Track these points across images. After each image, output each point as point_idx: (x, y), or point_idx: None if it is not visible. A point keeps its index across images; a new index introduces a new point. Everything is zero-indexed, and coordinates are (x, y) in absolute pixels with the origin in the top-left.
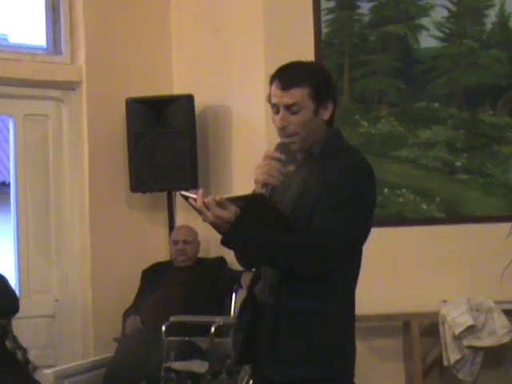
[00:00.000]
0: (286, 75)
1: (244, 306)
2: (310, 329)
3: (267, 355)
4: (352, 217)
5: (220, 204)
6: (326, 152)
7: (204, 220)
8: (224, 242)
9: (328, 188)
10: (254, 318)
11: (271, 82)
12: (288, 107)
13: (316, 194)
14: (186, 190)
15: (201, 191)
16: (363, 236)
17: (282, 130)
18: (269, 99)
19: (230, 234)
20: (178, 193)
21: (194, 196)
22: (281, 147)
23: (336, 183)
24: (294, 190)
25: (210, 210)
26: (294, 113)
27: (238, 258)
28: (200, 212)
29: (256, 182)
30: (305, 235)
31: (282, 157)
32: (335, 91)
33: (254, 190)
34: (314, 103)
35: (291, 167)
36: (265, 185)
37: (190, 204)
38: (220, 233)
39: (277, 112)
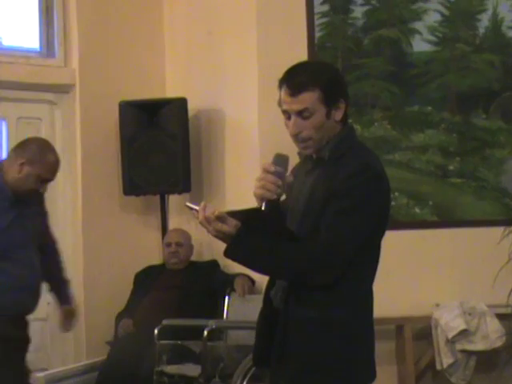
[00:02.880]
0: (294, 80)
1: (261, 310)
2: (319, 337)
3: (278, 361)
4: (358, 223)
5: (220, 218)
6: (334, 156)
7: (208, 233)
8: (226, 256)
9: (334, 194)
10: (269, 322)
11: (280, 87)
12: (299, 113)
13: (322, 199)
14: (179, 194)
15: (202, 205)
16: (375, 239)
17: (296, 137)
18: (279, 104)
19: (231, 248)
20: (171, 196)
21: (197, 208)
22: (278, 159)
23: (342, 189)
24: (303, 196)
25: (210, 224)
26: (306, 118)
27: None
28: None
29: (255, 196)
30: (309, 245)
31: (279, 169)
32: (346, 89)
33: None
34: (325, 106)
35: (290, 178)
36: (262, 199)
37: (195, 216)
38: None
39: (288, 118)
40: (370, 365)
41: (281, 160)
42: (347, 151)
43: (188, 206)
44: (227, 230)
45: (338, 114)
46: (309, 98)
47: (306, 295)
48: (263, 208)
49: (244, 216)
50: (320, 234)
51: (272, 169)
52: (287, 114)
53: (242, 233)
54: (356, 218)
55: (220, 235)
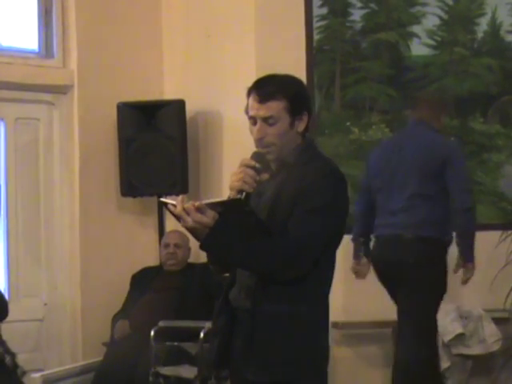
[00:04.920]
0: (263, 88)
1: (219, 312)
2: (286, 330)
3: (245, 357)
4: (326, 222)
5: (199, 209)
6: (300, 160)
7: (183, 225)
8: (203, 247)
9: (303, 193)
10: (229, 322)
11: (248, 95)
12: (265, 119)
13: (291, 199)
14: (177, 195)
15: (181, 197)
16: (337, 241)
17: (259, 141)
18: (246, 111)
19: (209, 239)
20: (168, 198)
21: (173, 202)
22: (256, 156)
23: (311, 189)
24: (268, 197)
25: (189, 215)
26: (271, 124)
27: (212, 262)
28: (179, 218)
29: (231, 189)
30: (281, 240)
31: (257, 165)
32: (310, 103)
33: (228, 197)
34: (289, 116)
35: (265, 175)
36: (239, 191)
37: (168, 210)
38: (197, 238)
39: (254, 123)
40: (328, 357)
41: (259, 157)
42: (312, 157)
43: (162, 202)
44: (206, 221)
45: (300, 126)
46: (276, 106)
47: (274, 291)
48: (242, 197)
49: (223, 207)
50: (289, 231)
51: (252, 163)
52: (253, 120)
53: (220, 225)
54: (325, 217)
55: (198, 226)
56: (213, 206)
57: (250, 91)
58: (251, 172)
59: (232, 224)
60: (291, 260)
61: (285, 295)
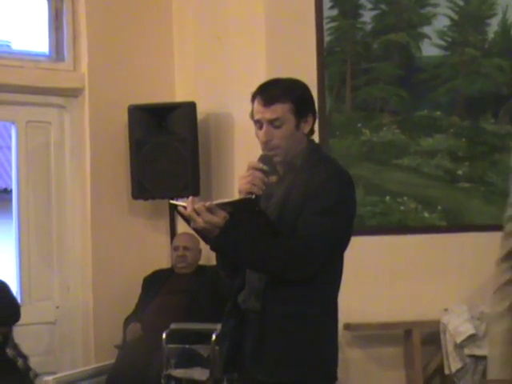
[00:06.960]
0: (268, 92)
1: (228, 315)
2: (296, 331)
3: (255, 358)
4: (335, 223)
5: (209, 210)
6: (308, 162)
7: (193, 226)
8: (213, 247)
9: (312, 196)
10: (238, 325)
11: (253, 100)
12: (271, 122)
13: (300, 201)
14: (188, 198)
15: (191, 198)
16: (345, 243)
17: (266, 144)
18: (251, 116)
19: (219, 239)
20: (180, 200)
21: (184, 204)
22: (264, 159)
23: (320, 191)
24: (277, 199)
25: (200, 215)
26: (277, 127)
27: (221, 267)
28: (188, 219)
29: (240, 192)
30: (290, 240)
31: (265, 167)
32: (314, 105)
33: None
34: (295, 118)
35: (273, 178)
36: (248, 194)
37: (178, 212)
38: (205, 240)
39: (260, 127)
40: (337, 358)
41: (266, 160)
42: (320, 160)
43: (172, 204)
44: (216, 221)
45: (306, 127)
46: (281, 109)
47: (284, 293)
48: (252, 197)
49: (233, 207)
50: (298, 232)
51: (260, 166)
52: (259, 124)
53: (230, 225)
54: (333, 218)
55: (208, 226)
56: (223, 206)
57: (254, 96)
58: (260, 174)
59: (242, 224)
60: (300, 260)
61: (294, 297)
